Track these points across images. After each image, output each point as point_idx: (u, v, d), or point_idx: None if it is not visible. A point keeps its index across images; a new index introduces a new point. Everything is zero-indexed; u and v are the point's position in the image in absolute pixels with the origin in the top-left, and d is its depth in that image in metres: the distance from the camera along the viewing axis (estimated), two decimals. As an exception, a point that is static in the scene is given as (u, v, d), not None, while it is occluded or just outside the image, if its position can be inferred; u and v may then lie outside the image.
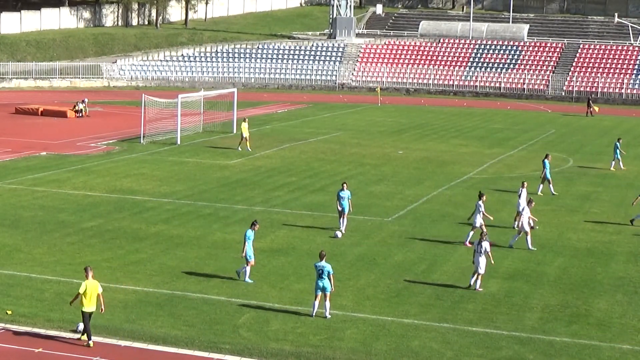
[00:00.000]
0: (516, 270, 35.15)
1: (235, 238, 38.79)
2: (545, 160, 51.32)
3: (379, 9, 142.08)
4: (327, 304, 29.13)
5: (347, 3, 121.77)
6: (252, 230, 32.88)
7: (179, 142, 64.65)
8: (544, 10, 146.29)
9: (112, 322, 27.98)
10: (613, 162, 58.79)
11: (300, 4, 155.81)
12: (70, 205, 44.57)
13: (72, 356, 25.41)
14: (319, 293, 29.12)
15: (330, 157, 61.42)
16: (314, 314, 29.16)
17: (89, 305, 25.81)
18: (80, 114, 78.34)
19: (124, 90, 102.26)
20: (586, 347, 27.53)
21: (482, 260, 32.43)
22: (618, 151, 58.38)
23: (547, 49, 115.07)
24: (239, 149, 62.34)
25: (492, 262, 33.22)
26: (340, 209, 40.34)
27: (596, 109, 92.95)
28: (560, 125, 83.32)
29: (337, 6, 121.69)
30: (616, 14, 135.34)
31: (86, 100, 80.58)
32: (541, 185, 51.23)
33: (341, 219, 40.42)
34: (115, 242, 37.71)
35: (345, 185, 41.03)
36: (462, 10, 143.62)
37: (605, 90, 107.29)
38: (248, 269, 32.61)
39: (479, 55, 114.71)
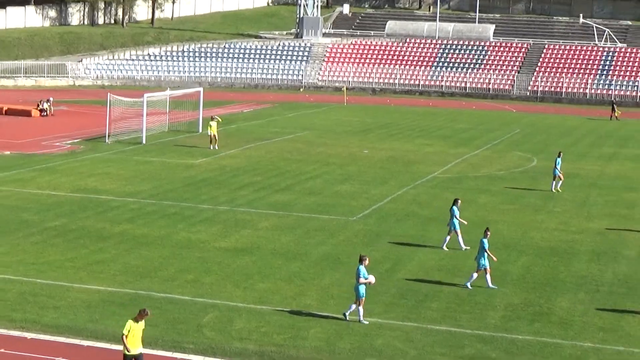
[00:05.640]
0: (480, 269, 35.31)
1: (200, 237, 38.75)
2: (558, 159, 51.91)
3: (346, 8, 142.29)
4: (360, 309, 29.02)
5: (314, 3, 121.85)
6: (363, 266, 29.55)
7: (144, 142, 64.44)
8: (510, 11, 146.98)
9: (75, 322, 27.80)
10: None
11: (268, 3, 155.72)
12: (34, 204, 44.28)
13: (34, 356, 25.20)
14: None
15: (296, 156, 61.43)
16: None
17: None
18: (45, 113, 77.95)
19: (89, 89, 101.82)
20: (548, 345, 27.66)
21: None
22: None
23: (512, 49, 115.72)
24: (211, 147, 62.14)
25: (495, 259, 33.51)
26: None
27: (618, 113, 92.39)
28: (525, 125, 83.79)
29: (304, 6, 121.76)
30: (581, 15, 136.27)
31: (51, 99, 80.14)
32: (553, 182, 51.65)
33: None
34: (79, 242, 37.48)
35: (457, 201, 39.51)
36: (429, 11, 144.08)
37: (570, 90, 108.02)
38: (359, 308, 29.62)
39: (445, 55, 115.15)
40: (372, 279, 28.93)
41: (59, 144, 63.17)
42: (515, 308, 30.96)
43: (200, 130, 69.68)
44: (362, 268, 28.86)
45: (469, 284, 32.93)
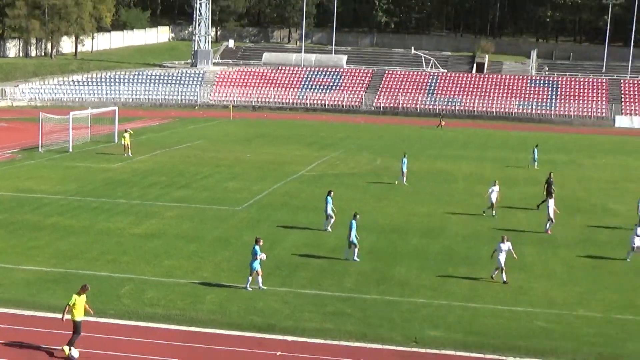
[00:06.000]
0: (338, 245, 35.54)
1: (118, 226, 38.25)
2: (404, 159, 52.36)
3: (231, 43, 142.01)
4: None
5: (205, 39, 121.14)
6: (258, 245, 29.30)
7: (70, 150, 63.06)
8: (359, 44, 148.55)
9: (16, 296, 27.25)
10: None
11: (169, 39, 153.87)
12: (-19, 202, 43.09)
13: (-16, 324, 24.66)
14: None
15: (193, 160, 60.99)
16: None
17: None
18: (-11, 129, 75.71)
19: (25, 109, 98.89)
20: (391, 302, 28.18)
21: (503, 257, 30.67)
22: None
23: (361, 74, 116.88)
24: (125, 154, 61.25)
25: (515, 257, 31.65)
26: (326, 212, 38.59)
27: (443, 122, 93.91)
28: (371, 133, 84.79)
29: (198, 41, 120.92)
30: (412, 47, 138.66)
31: (-7, 117, 77.86)
32: (401, 177, 52.41)
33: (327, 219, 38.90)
34: (18, 232, 36.60)
35: (331, 192, 39.71)
36: (296, 44, 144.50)
37: (405, 105, 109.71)
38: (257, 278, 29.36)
39: (309, 79, 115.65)
40: (263, 256, 29.09)
41: (0, 154, 61.43)
42: (366, 274, 31.43)
43: (116, 141, 68.58)
44: (257, 248, 28.96)
45: (351, 257, 33.11)
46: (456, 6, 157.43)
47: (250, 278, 29.02)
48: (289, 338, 24.68)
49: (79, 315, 22.82)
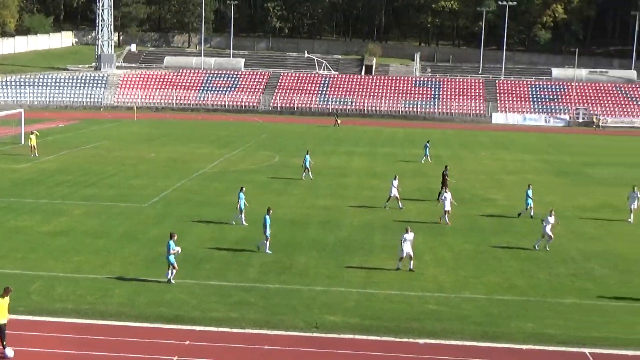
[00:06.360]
0: (241, 238, 35.36)
1: (26, 224, 36.96)
2: (307, 156, 52.15)
3: (133, 47, 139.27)
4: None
5: (108, 43, 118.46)
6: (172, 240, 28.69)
7: (-23, 152, 60.84)
8: (255, 48, 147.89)
9: None
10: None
11: (72, 43, 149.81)
12: None
13: None
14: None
15: (98, 160, 59.53)
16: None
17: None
18: None
19: None
20: (292, 290, 28.08)
21: (407, 246, 30.60)
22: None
23: (258, 76, 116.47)
24: (32, 155, 59.28)
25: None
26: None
27: (339, 121, 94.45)
28: (269, 131, 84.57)
29: (101, 46, 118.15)
30: (306, 51, 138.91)
31: None
32: (304, 173, 52.17)
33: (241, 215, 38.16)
34: None
35: (243, 188, 39.06)
36: (196, 48, 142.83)
37: (300, 105, 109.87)
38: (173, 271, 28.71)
39: (209, 81, 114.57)
40: (178, 249, 28.63)
41: None
42: (268, 265, 31.24)
43: (23, 142, 66.30)
44: (172, 242, 28.46)
45: (263, 250, 32.78)
46: (345, 12, 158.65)
47: (171, 271, 28.39)
48: (197, 328, 24.27)
49: (3, 318, 21.74)
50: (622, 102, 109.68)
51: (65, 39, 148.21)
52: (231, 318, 25.08)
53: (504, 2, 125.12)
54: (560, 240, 36.62)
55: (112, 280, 28.64)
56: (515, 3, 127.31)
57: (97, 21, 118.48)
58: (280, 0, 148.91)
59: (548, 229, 34.28)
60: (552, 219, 34.40)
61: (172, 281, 28.34)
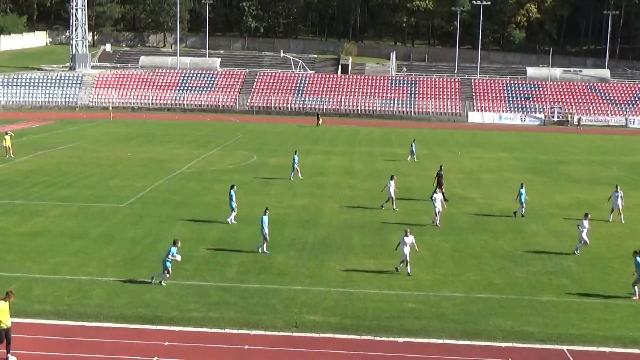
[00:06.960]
0: (220, 238, 35.26)
1: (2, 226, 36.62)
2: (295, 156, 52.02)
3: (108, 47, 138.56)
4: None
5: (83, 43, 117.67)
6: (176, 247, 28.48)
7: (-49, 153, 60.15)
8: (231, 48, 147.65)
9: None
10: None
11: (47, 43, 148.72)
12: None
13: None
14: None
15: (75, 160, 59.09)
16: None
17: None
18: None
19: None
20: (271, 290, 28.02)
21: (407, 250, 29.98)
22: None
23: (234, 76, 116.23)
24: (7, 156, 58.67)
25: (417, 249, 31.31)
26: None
27: (320, 121, 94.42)
28: (246, 131, 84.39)
29: (75, 45, 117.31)
30: (282, 51, 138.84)
31: None
32: (292, 173, 52.09)
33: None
34: None
35: (234, 186, 38.98)
36: (171, 48, 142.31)
37: (277, 104, 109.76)
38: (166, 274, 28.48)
39: (185, 81, 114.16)
40: (178, 257, 28.42)
41: None
42: (247, 265, 31.16)
43: (-3, 143, 65.72)
44: (174, 249, 28.20)
45: (266, 251, 32.65)
46: (320, 12, 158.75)
47: (166, 275, 28.21)
48: (175, 328, 24.17)
49: (6, 322, 21.37)
50: (596, 101, 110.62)
51: (39, 39, 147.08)
52: (210, 318, 24.99)
53: (479, 2, 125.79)
54: (537, 238, 36.87)
55: (90, 281, 28.44)
56: (489, 3, 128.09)
57: (71, 21, 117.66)
58: (256, 0, 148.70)
59: (584, 234, 33.78)
60: (586, 223, 33.90)
61: (163, 283, 28.18)
